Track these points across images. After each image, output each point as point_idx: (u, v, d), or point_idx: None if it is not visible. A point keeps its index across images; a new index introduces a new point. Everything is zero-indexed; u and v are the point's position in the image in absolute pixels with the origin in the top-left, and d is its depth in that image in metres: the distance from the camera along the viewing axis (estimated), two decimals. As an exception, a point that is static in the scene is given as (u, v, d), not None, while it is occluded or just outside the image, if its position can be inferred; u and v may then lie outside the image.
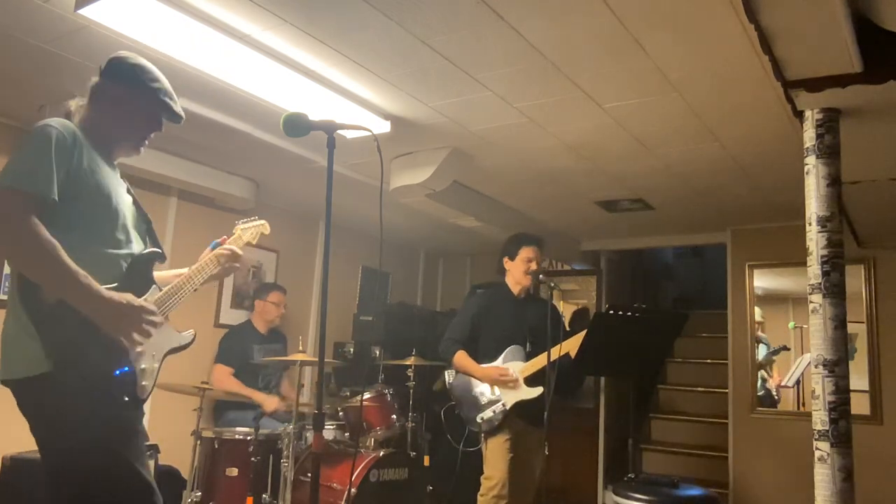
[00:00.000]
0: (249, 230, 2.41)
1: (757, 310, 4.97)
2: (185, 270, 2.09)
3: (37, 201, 1.65)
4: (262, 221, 2.44)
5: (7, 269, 3.59)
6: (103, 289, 1.69)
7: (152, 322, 1.78)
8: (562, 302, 5.85)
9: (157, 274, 2.01)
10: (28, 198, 1.64)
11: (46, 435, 1.71)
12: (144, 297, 1.85)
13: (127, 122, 1.94)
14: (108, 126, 1.91)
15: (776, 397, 4.82)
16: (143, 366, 1.82)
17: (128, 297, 1.74)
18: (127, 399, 1.75)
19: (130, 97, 1.92)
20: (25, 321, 1.66)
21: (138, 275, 1.86)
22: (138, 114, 1.95)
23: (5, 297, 3.52)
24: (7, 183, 1.65)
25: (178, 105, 2.00)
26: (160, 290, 1.95)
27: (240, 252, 2.24)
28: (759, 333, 4.93)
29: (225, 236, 2.28)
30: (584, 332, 3.18)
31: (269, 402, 4.10)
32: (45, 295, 1.65)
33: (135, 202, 1.98)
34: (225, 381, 4.17)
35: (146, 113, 1.96)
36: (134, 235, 1.91)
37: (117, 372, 1.73)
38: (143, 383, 1.82)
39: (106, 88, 1.91)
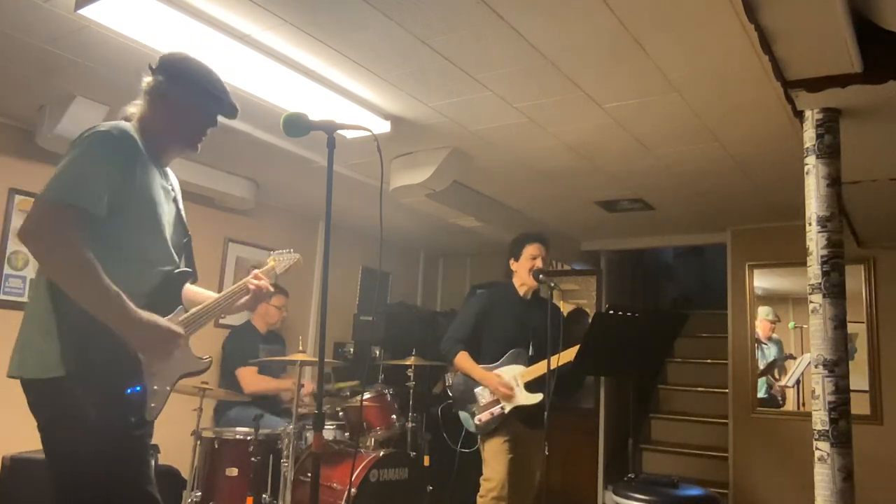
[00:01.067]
0: (283, 262, 2.40)
1: (767, 308, 4.94)
2: (212, 294, 2.09)
3: (83, 217, 1.63)
4: (298, 256, 2.42)
5: (7, 270, 3.59)
6: (137, 311, 1.68)
7: (177, 345, 1.78)
8: (562, 302, 5.85)
9: (188, 288, 2.00)
10: (74, 213, 1.62)
11: (50, 437, 1.70)
12: (169, 316, 1.83)
13: (186, 120, 1.92)
14: (166, 126, 1.89)
15: (781, 401, 4.81)
16: (154, 387, 1.79)
17: (158, 320, 1.73)
18: (133, 420, 1.72)
19: (189, 95, 1.90)
20: (47, 323, 1.64)
21: (168, 293, 1.85)
22: (195, 110, 1.93)
23: (5, 298, 3.54)
24: (53, 196, 1.63)
25: (232, 97, 1.98)
26: (186, 310, 1.93)
27: (270, 289, 2.22)
28: (773, 335, 4.91)
29: (255, 269, 2.25)
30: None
31: (306, 385, 4.05)
32: (74, 302, 1.63)
33: (178, 214, 1.96)
34: (256, 381, 4.18)
35: (202, 109, 1.94)
36: (171, 250, 1.88)
37: (129, 391, 1.71)
38: (153, 405, 1.78)
39: (160, 86, 1.88)
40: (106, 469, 1.68)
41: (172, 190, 1.96)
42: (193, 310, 1.97)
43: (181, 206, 1.99)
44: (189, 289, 2.03)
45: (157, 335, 1.72)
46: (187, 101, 1.91)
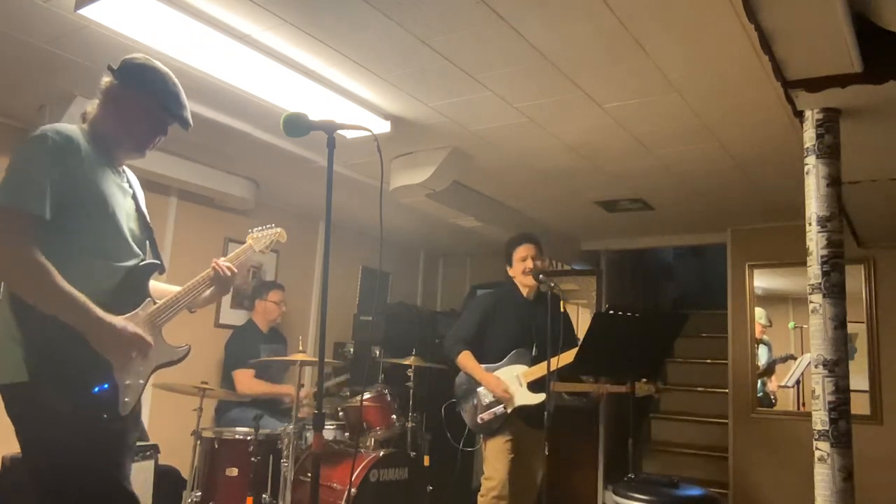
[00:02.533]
0: (263, 239, 2.37)
1: (760, 311, 4.95)
2: (177, 288, 2.09)
3: (29, 220, 1.63)
4: (279, 229, 2.39)
5: None
6: (99, 312, 1.68)
7: (143, 350, 1.78)
8: (562, 302, 5.84)
9: (155, 285, 2.00)
10: (20, 217, 1.62)
11: (24, 442, 1.70)
12: (137, 309, 1.84)
13: (132, 124, 1.92)
14: (113, 127, 1.89)
15: (773, 400, 4.83)
16: (127, 381, 1.78)
17: (122, 322, 1.73)
18: (105, 416, 1.71)
19: (137, 99, 1.90)
20: (10, 328, 1.65)
21: (133, 287, 1.84)
22: (144, 117, 1.92)
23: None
24: (1, 202, 1.63)
25: (188, 111, 1.98)
26: (154, 302, 1.93)
27: (229, 270, 2.17)
28: (763, 337, 4.92)
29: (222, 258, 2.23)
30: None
31: (303, 390, 4.07)
32: (33, 306, 1.63)
33: (138, 209, 1.95)
34: (252, 384, 4.18)
35: (152, 117, 1.93)
36: (132, 245, 1.87)
37: (96, 389, 1.70)
38: (126, 399, 1.77)
39: (114, 89, 1.89)
40: (81, 468, 1.68)
41: (130, 187, 1.96)
42: (161, 301, 1.97)
43: (141, 202, 1.99)
44: (156, 285, 2.03)
45: (116, 337, 1.72)
46: (138, 107, 1.91)
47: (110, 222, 1.81)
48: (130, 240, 1.87)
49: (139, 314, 1.85)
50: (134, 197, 1.95)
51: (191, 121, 2.00)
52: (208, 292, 2.16)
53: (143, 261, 1.89)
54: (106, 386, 1.72)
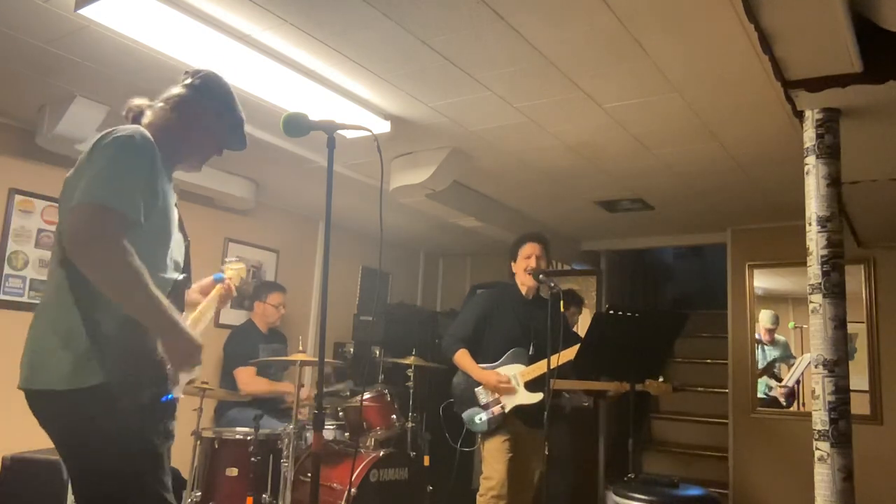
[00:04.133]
0: (235, 273, 2.30)
1: (767, 313, 4.94)
2: (198, 296, 2.09)
3: (126, 221, 1.59)
4: (242, 265, 2.35)
5: (7, 270, 3.58)
6: (181, 321, 1.66)
7: (198, 362, 1.75)
8: (562, 302, 5.84)
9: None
10: (119, 217, 1.58)
11: (77, 448, 1.64)
12: None
13: (204, 141, 1.92)
14: (182, 141, 1.87)
15: (784, 404, 4.79)
16: (177, 395, 1.77)
17: (194, 333, 1.71)
18: (163, 427, 1.69)
19: (216, 119, 1.90)
20: (72, 331, 1.59)
21: (178, 300, 1.81)
22: (216, 136, 1.93)
23: (5, 298, 3.53)
24: (102, 200, 1.57)
25: (244, 131, 1.99)
26: (187, 316, 1.92)
27: (233, 295, 2.24)
28: (778, 336, 4.90)
29: (222, 275, 2.24)
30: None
31: (303, 388, 4.07)
32: (106, 308, 1.59)
33: (180, 219, 1.93)
34: (254, 382, 4.19)
35: (221, 137, 1.94)
36: (178, 258, 1.86)
37: (164, 399, 1.68)
38: (176, 414, 1.77)
39: (195, 103, 1.86)
40: (136, 477, 1.64)
41: (174, 196, 1.94)
42: (192, 316, 1.97)
43: (178, 210, 1.96)
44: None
45: (190, 346, 1.68)
46: (211, 123, 1.90)
47: (167, 233, 1.79)
48: (178, 250, 1.86)
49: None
50: (176, 205, 1.92)
51: (247, 143, 2.00)
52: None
53: (182, 275, 1.87)
54: (171, 396, 1.70)
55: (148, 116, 1.85)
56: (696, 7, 2.20)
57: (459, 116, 3.23)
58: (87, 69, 2.86)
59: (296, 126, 1.84)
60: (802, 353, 4.73)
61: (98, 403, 1.58)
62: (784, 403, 4.78)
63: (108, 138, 1.67)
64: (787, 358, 4.83)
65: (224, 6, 2.36)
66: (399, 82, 2.89)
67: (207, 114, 1.88)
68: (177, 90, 1.87)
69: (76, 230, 1.57)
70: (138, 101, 1.89)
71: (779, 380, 4.83)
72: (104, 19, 2.39)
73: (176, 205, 1.92)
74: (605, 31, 2.36)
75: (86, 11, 2.32)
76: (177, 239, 1.87)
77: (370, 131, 1.93)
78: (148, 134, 1.74)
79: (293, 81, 2.83)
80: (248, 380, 4.18)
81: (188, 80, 1.88)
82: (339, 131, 1.90)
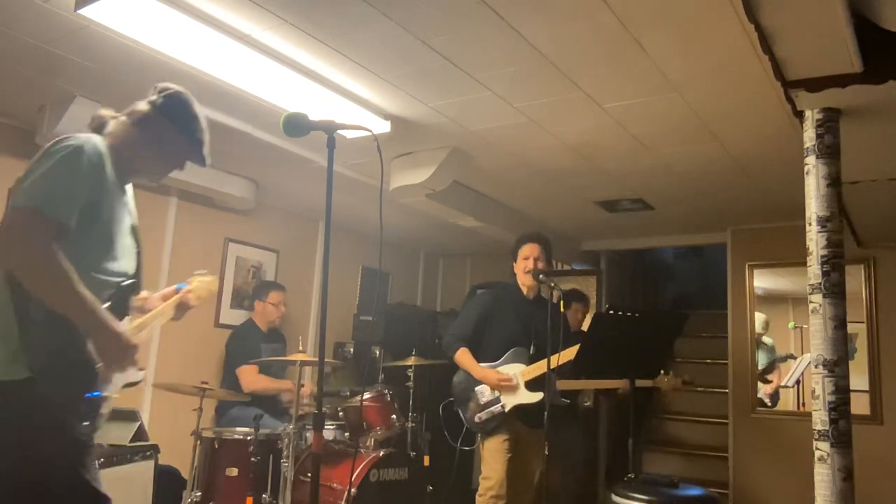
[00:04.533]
0: (203, 285, 2.33)
1: (760, 317, 4.95)
2: (156, 302, 2.13)
3: (57, 227, 1.65)
4: (213, 278, 2.38)
5: None
6: (112, 320, 1.72)
7: (133, 363, 1.81)
8: (562, 302, 5.83)
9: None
10: (49, 222, 1.64)
11: (4, 438, 1.69)
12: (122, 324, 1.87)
13: (162, 158, 1.98)
14: (141, 156, 1.93)
15: (768, 403, 4.83)
16: (106, 394, 1.82)
17: (127, 333, 1.78)
18: (87, 423, 1.75)
19: (175, 138, 1.95)
20: (7, 326, 1.66)
21: (120, 304, 1.87)
22: (175, 154, 1.99)
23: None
24: (31, 203, 1.64)
25: (206, 149, 2.03)
26: (131, 321, 1.97)
27: (193, 305, 2.26)
28: (765, 339, 4.92)
29: (186, 285, 2.27)
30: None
31: (305, 385, 4.07)
32: (37, 306, 1.65)
33: (132, 226, 1.98)
34: (256, 380, 4.20)
35: (182, 155, 2.00)
36: (123, 263, 1.91)
37: (89, 395, 1.74)
38: (102, 411, 1.82)
39: (156, 122, 1.92)
40: (61, 469, 1.70)
41: (129, 203, 1.99)
42: (138, 320, 2.00)
43: (135, 217, 2.02)
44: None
45: (121, 345, 1.75)
46: (174, 144, 1.96)
47: (110, 241, 1.85)
48: (124, 256, 1.91)
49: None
50: (130, 212, 1.98)
51: (209, 162, 2.05)
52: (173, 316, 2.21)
53: (130, 278, 1.92)
54: (98, 394, 1.76)
55: (110, 127, 1.91)
56: (696, 7, 2.20)
57: (459, 116, 3.23)
58: (87, 69, 2.86)
59: (296, 126, 1.84)
60: (802, 353, 4.73)
61: (25, 397, 1.64)
62: (769, 403, 4.81)
63: (58, 144, 1.74)
64: (774, 359, 4.85)
65: (224, 6, 2.36)
66: (399, 82, 2.89)
67: (167, 133, 1.94)
68: (141, 106, 1.94)
69: (4, 232, 1.66)
70: (104, 112, 1.96)
71: (765, 381, 4.85)
72: (104, 19, 2.39)
73: (130, 212, 1.97)
74: (605, 31, 2.36)
75: (86, 11, 2.32)
76: (125, 245, 1.91)
77: (370, 131, 1.93)
78: (100, 143, 1.80)
79: (293, 81, 2.83)
80: (252, 378, 4.19)
81: (153, 97, 1.95)
82: (339, 131, 1.90)
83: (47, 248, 1.62)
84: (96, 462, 1.85)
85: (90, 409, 1.75)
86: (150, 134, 1.92)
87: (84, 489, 1.74)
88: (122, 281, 1.88)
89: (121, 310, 1.88)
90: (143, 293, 2.08)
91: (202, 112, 2.00)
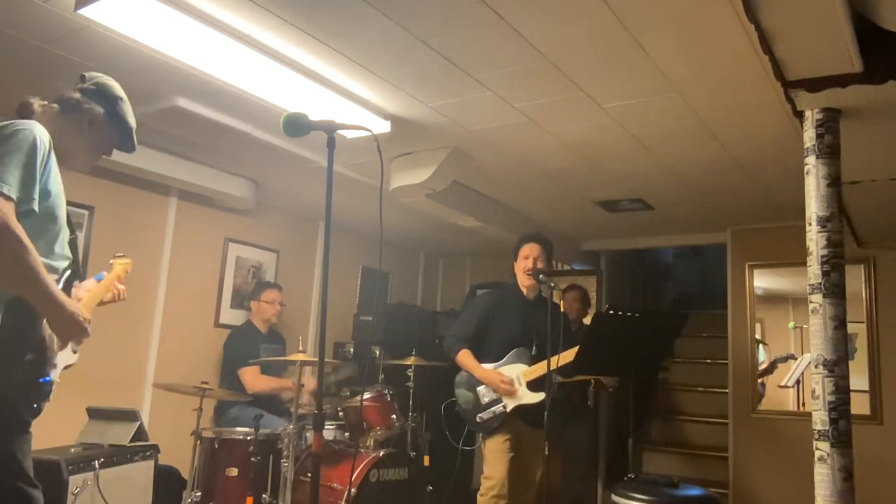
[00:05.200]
0: (121, 265, 2.36)
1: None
2: (88, 289, 2.16)
3: (20, 205, 1.70)
4: (129, 260, 2.40)
5: None
6: (62, 293, 1.77)
7: (83, 338, 1.87)
8: (562, 302, 5.84)
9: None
10: (9, 204, 1.67)
11: None
12: None
13: (93, 143, 2.02)
14: (74, 142, 1.96)
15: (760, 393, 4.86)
16: (53, 377, 1.85)
17: (80, 308, 1.83)
18: (35, 406, 1.78)
19: (107, 124, 2.01)
20: None
21: (66, 288, 1.90)
22: (106, 139, 2.04)
23: None
24: None
25: (134, 134, 2.10)
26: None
27: (120, 290, 2.30)
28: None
29: (103, 275, 2.30)
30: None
31: (309, 382, 4.09)
32: None
33: (68, 215, 2.00)
34: (259, 380, 4.21)
35: (111, 141, 2.06)
36: (67, 249, 1.95)
37: (42, 380, 1.77)
38: (51, 396, 1.85)
39: (87, 108, 1.97)
40: (8, 453, 1.73)
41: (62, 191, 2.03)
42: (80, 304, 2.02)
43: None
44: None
45: (75, 321, 1.80)
46: (103, 130, 2.01)
47: (60, 227, 1.89)
48: (66, 243, 1.95)
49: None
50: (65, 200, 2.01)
51: (136, 145, 2.11)
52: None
53: (73, 263, 1.96)
54: (49, 378, 1.80)
55: (37, 115, 1.93)
56: (696, 7, 2.20)
57: (459, 116, 3.23)
58: (86, 69, 2.85)
59: (296, 126, 1.84)
60: (802, 353, 4.73)
61: None
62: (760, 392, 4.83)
63: (8, 129, 1.77)
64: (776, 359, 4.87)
65: (224, 6, 2.36)
66: (399, 82, 2.89)
67: (102, 122, 2.00)
68: (69, 93, 1.98)
69: None
70: (31, 100, 1.97)
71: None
72: (104, 19, 2.39)
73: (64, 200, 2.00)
74: (605, 31, 2.36)
75: (86, 11, 2.32)
76: (66, 231, 1.95)
77: (370, 131, 1.93)
78: (45, 131, 1.83)
79: (293, 81, 2.83)
80: (254, 378, 4.20)
81: (81, 84, 2.00)
82: (339, 131, 1.90)
83: (10, 228, 1.65)
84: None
85: (42, 394, 1.79)
86: (84, 121, 1.97)
87: (23, 477, 1.76)
88: (66, 267, 1.92)
89: (66, 295, 1.91)
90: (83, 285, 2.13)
91: (128, 99, 2.06)
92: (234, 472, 3.51)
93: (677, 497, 3.01)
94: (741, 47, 2.41)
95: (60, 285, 1.84)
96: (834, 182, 2.36)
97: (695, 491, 3.12)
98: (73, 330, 1.81)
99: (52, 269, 1.83)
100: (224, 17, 2.42)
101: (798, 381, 4.75)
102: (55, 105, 1.96)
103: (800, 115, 2.48)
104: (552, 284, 3.30)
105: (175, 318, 4.25)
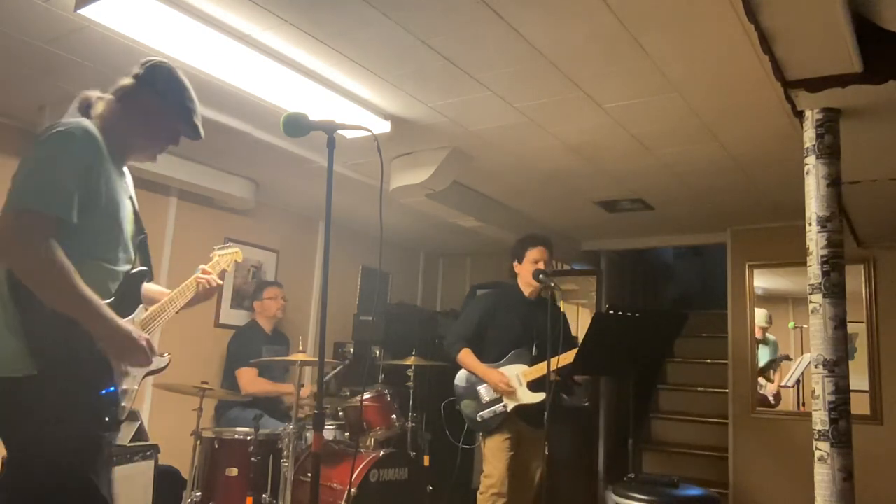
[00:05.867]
0: (225, 257, 2.36)
1: (761, 312, 4.94)
2: (166, 291, 2.09)
3: (53, 223, 1.60)
4: (236, 249, 2.39)
5: None
6: (114, 318, 1.67)
7: (149, 357, 1.76)
8: (562, 302, 5.85)
9: (145, 287, 1.99)
10: (48, 220, 1.60)
11: (13, 438, 1.65)
12: (132, 315, 1.84)
13: (152, 131, 1.92)
14: (131, 132, 1.87)
15: (772, 402, 4.82)
16: (125, 387, 1.79)
17: (136, 329, 1.73)
18: (107, 419, 1.71)
19: (163, 109, 1.89)
20: (11, 320, 1.61)
21: (129, 293, 1.83)
22: (166, 126, 1.93)
23: None
24: (26, 204, 1.59)
25: (200, 123, 1.98)
26: (145, 309, 1.94)
27: (219, 282, 2.21)
28: (768, 335, 4.92)
29: (203, 265, 2.25)
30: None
31: (305, 390, 4.08)
32: (41, 303, 1.60)
33: (135, 211, 1.93)
34: (255, 382, 4.19)
35: (169, 126, 1.93)
36: (130, 249, 1.86)
37: (103, 391, 1.69)
38: (123, 404, 1.78)
39: (141, 94, 1.86)
40: (69, 468, 1.65)
41: (129, 187, 1.94)
42: (151, 309, 1.98)
43: (136, 202, 1.96)
44: (150, 288, 2.02)
45: (131, 343, 1.71)
46: (162, 115, 1.90)
47: (116, 226, 1.80)
48: (129, 243, 1.86)
49: (134, 319, 1.85)
50: (131, 198, 1.93)
51: (202, 133, 1.99)
52: (191, 298, 2.17)
53: (135, 267, 1.88)
54: (112, 389, 1.71)
55: (97, 108, 1.85)
56: (695, 7, 2.20)
57: (459, 116, 3.23)
58: (87, 69, 2.86)
59: (296, 126, 1.84)
60: (802, 353, 4.73)
61: (31, 394, 1.60)
62: (772, 402, 4.80)
63: (45, 135, 1.68)
64: (776, 359, 4.85)
65: (224, 6, 2.36)
66: (399, 82, 2.89)
67: (153, 104, 1.88)
68: (124, 81, 1.88)
69: (1, 235, 1.60)
70: (89, 93, 1.89)
71: (769, 380, 4.85)
72: (104, 19, 2.39)
73: (131, 197, 1.91)
74: (605, 31, 2.36)
75: (86, 11, 2.32)
76: (130, 232, 1.86)
77: (370, 131, 1.93)
78: (91, 127, 1.74)
79: (293, 81, 2.83)
80: (251, 380, 4.19)
81: (136, 71, 1.89)
82: (339, 131, 1.90)
83: (45, 250, 1.57)
84: (111, 465, 1.79)
85: (106, 405, 1.71)
86: (138, 107, 1.86)
87: (87, 493, 1.67)
88: (131, 269, 1.84)
89: (131, 301, 1.84)
90: (153, 287, 2.04)
91: (186, 82, 1.94)
92: (234, 472, 3.51)
93: (677, 497, 3.01)
94: (741, 47, 2.41)
95: (116, 295, 1.75)
96: (834, 182, 2.36)
97: (695, 491, 3.12)
98: (126, 352, 1.70)
99: (112, 274, 1.77)
100: (224, 17, 2.42)
101: (798, 381, 4.75)
102: (111, 95, 1.86)
103: (800, 115, 2.47)
104: (553, 284, 3.31)
105: (175, 318, 4.22)
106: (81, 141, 1.69)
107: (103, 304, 1.66)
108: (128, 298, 1.82)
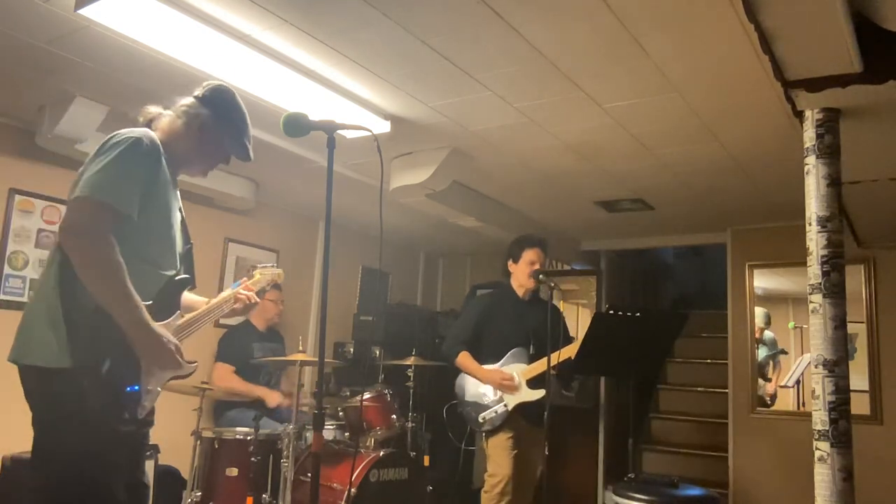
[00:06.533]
0: (266, 276, 2.44)
1: (760, 311, 4.94)
2: (203, 300, 2.16)
3: (118, 218, 1.71)
4: (280, 270, 2.48)
5: (7, 270, 3.59)
6: (150, 320, 1.75)
7: (177, 362, 1.85)
8: (562, 302, 5.84)
9: (184, 295, 2.05)
10: (113, 214, 1.71)
11: (42, 427, 1.73)
12: (170, 319, 1.89)
13: (209, 151, 2.05)
14: (189, 149, 2.00)
15: (769, 402, 4.82)
16: (148, 387, 1.84)
17: (167, 334, 1.81)
18: (127, 416, 1.77)
19: (222, 132, 2.02)
20: (55, 313, 1.68)
21: (169, 298, 1.90)
22: (220, 146, 2.05)
23: (5, 298, 3.54)
24: (95, 194, 1.70)
25: (250, 144, 2.10)
26: (181, 315, 1.99)
27: (257, 299, 2.30)
28: (766, 332, 4.92)
29: (245, 279, 2.35)
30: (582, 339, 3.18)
31: (272, 397, 4.10)
32: (83, 297, 1.68)
33: (183, 222, 2.03)
34: (227, 378, 4.17)
35: (228, 149, 2.07)
36: (176, 256, 1.95)
37: (129, 388, 1.76)
38: (145, 403, 1.85)
39: (203, 115, 1.99)
40: (93, 462, 1.72)
41: (178, 199, 2.05)
42: (188, 315, 2.03)
43: (184, 213, 2.08)
44: (185, 295, 2.07)
45: (160, 346, 1.78)
46: (220, 138, 2.03)
47: (167, 232, 1.90)
48: (176, 250, 1.96)
49: (170, 324, 1.90)
50: (180, 209, 2.04)
51: (252, 156, 2.11)
52: (228, 311, 2.25)
53: (179, 274, 1.96)
54: (136, 388, 1.78)
55: (159, 122, 1.98)
56: (696, 7, 2.20)
57: (459, 116, 3.23)
58: (87, 69, 2.86)
59: (296, 126, 1.84)
60: (802, 353, 4.73)
61: (66, 386, 1.67)
62: (768, 402, 4.80)
63: (116, 137, 1.80)
64: (774, 355, 4.84)
65: (224, 6, 2.36)
66: (399, 82, 2.89)
67: (212, 125, 2.00)
68: (187, 100, 2.01)
69: (69, 222, 1.72)
70: (152, 109, 2.02)
71: (766, 378, 4.85)
72: (104, 19, 2.39)
73: (180, 209, 2.03)
74: (605, 31, 2.36)
75: (86, 11, 2.32)
76: (177, 239, 1.97)
77: (370, 131, 1.93)
78: (156, 138, 1.87)
79: (293, 81, 2.83)
80: (223, 375, 4.17)
81: (199, 92, 2.02)
82: (339, 131, 1.90)
83: (107, 240, 1.68)
84: (143, 458, 1.90)
85: (129, 402, 1.77)
86: (201, 131, 1.99)
87: (100, 490, 1.73)
88: (174, 275, 1.92)
89: (170, 306, 1.90)
90: (192, 296, 2.12)
91: (245, 110, 2.07)
92: (234, 472, 3.51)
93: (677, 497, 3.01)
94: (741, 47, 2.41)
95: (155, 298, 1.82)
96: (834, 182, 2.36)
97: (695, 491, 3.12)
98: (155, 354, 1.77)
99: (156, 277, 1.84)
100: (224, 17, 2.42)
101: (798, 381, 4.75)
102: (171, 112, 2.00)
103: (800, 115, 2.47)
104: (552, 284, 3.32)
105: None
106: (148, 147, 1.82)
107: (142, 304, 1.73)
108: (167, 303, 1.89)
